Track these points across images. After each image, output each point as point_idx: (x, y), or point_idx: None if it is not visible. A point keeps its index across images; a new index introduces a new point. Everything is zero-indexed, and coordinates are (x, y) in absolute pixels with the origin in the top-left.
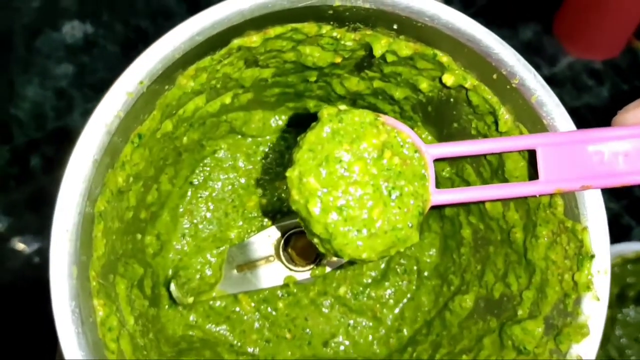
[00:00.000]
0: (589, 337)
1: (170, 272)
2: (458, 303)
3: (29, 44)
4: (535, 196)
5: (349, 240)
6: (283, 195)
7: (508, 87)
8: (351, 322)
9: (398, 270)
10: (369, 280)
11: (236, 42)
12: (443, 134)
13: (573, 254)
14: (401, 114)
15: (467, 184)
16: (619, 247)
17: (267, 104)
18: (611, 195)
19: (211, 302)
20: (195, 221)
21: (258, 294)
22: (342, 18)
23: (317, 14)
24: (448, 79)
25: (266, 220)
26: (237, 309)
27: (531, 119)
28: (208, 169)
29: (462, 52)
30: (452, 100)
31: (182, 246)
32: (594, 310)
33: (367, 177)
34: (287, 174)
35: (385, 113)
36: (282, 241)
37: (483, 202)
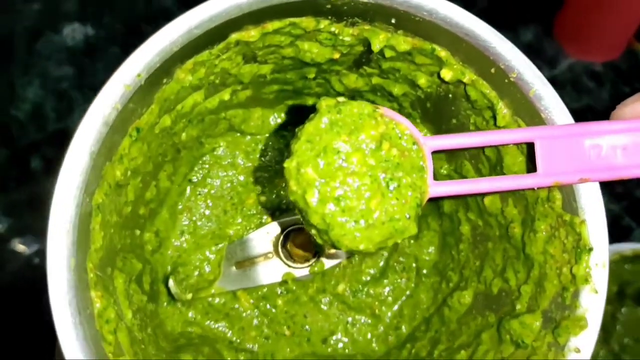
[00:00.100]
0: (587, 330)
1: (169, 268)
2: (457, 299)
3: (29, 46)
4: (533, 189)
5: (346, 231)
6: (282, 192)
7: (506, 81)
8: (350, 319)
9: (397, 267)
10: (368, 278)
11: (234, 36)
12: (442, 130)
13: (571, 247)
14: (400, 111)
15: None
16: (617, 245)
17: (266, 101)
18: (611, 196)
19: (210, 299)
20: (194, 218)
21: (257, 291)
22: (340, 12)
23: (315, 8)
24: (446, 74)
25: (265, 217)
26: (236, 305)
27: (529, 113)
28: (207, 166)
29: (460, 46)
30: (450, 95)
31: (181, 243)
32: (592, 302)
33: (365, 168)
34: (285, 164)
35: None
36: (281, 238)
37: (481, 196)
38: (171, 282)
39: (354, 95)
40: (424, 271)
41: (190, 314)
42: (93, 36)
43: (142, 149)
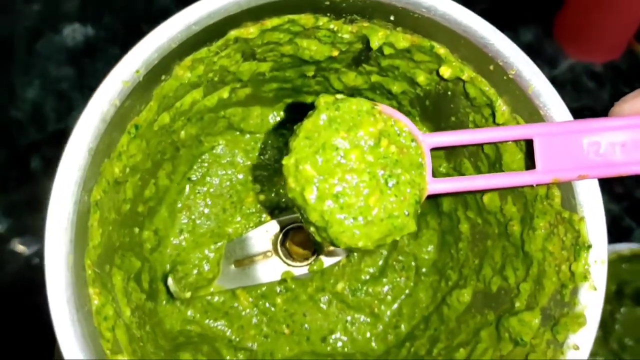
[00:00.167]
0: (585, 327)
1: (167, 267)
2: (456, 298)
3: (30, 46)
4: (532, 185)
5: (345, 228)
6: (281, 191)
7: (505, 78)
8: (349, 318)
9: (396, 266)
10: (367, 277)
11: (233, 33)
12: (441, 129)
13: (570, 244)
14: (399, 109)
15: None
16: (615, 245)
17: (265, 99)
18: (612, 197)
19: (209, 298)
20: (193, 217)
21: (256, 289)
22: (338, 9)
23: (313, 5)
24: (445, 71)
25: (264, 216)
26: (236, 304)
27: (528, 110)
28: (206, 164)
29: (459, 43)
30: (449, 93)
31: (180, 242)
32: (591, 300)
33: (363, 165)
34: (284, 161)
35: None
36: (280, 236)
37: (480, 194)
38: (170, 281)
39: (353, 93)
40: (423, 270)
41: (189, 313)
42: (93, 36)
43: (140, 146)
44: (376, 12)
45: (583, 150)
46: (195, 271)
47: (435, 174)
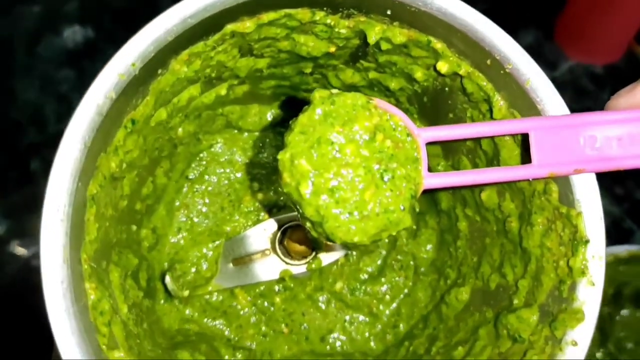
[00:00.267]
0: (584, 323)
1: (165, 265)
2: (454, 296)
3: (30, 48)
4: (528, 180)
5: (340, 223)
6: (279, 189)
7: (502, 72)
8: (347, 317)
9: (395, 266)
10: (366, 276)
11: (230, 27)
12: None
13: (568, 239)
14: (397, 106)
15: None
16: (614, 247)
17: (264, 97)
18: (612, 199)
19: (207, 297)
20: (191, 215)
21: (255, 288)
22: (335, 4)
23: None
24: (442, 67)
25: (262, 214)
26: (234, 303)
27: (526, 105)
28: (204, 163)
29: (456, 37)
30: (447, 89)
31: (178, 240)
32: (589, 295)
33: (359, 160)
34: (279, 156)
35: None
36: (279, 234)
37: (478, 191)
38: (168, 279)
39: (350, 90)
40: (422, 269)
41: (187, 312)
42: (93, 38)
43: (137, 141)
44: (373, 7)
45: (579, 144)
46: (193, 270)
47: (433, 172)
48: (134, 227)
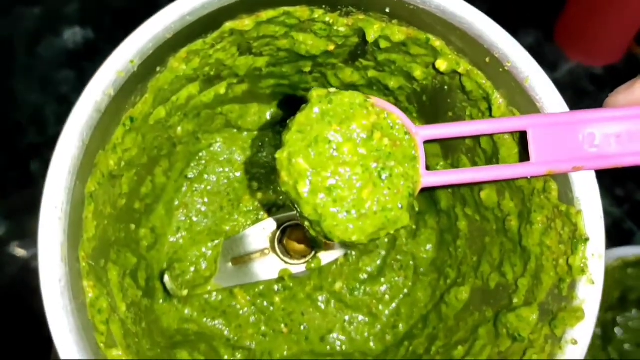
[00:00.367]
0: (584, 321)
1: (164, 265)
2: (454, 295)
3: (30, 49)
4: (527, 178)
5: (338, 222)
6: (279, 188)
7: (501, 70)
8: (347, 317)
9: (394, 266)
10: (365, 276)
11: (228, 25)
12: None
13: (567, 238)
14: (396, 105)
15: None
16: (619, 250)
17: (263, 96)
18: (612, 200)
19: (207, 296)
20: (190, 215)
21: (254, 288)
22: (334, 1)
23: None
24: (441, 65)
25: (262, 213)
26: (233, 303)
27: (525, 103)
28: (203, 162)
29: (455, 35)
30: (446, 87)
31: (177, 240)
32: (589, 294)
33: (356, 158)
34: (277, 155)
35: None
36: (278, 234)
37: (477, 190)
38: (167, 278)
39: (349, 89)
40: (422, 269)
41: (186, 311)
42: (93, 39)
43: (136, 139)
44: (371, 4)
45: (578, 141)
46: (192, 269)
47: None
48: (133, 226)
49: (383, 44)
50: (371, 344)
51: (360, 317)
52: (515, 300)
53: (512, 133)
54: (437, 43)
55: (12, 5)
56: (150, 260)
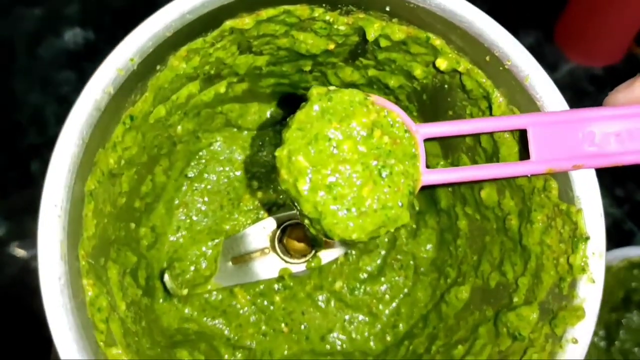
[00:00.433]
0: (584, 320)
1: (164, 264)
2: (454, 295)
3: (31, 50)
4: (527, 176)
5: (338, 220)
6: (279, 187)
7: (501, 68)
8: (347, 317)
9: (394, 265)
10: (365, 276)
11: (228, 23)
12: None
13: (568, 236)
14: (396, 104)
15: None
16: (625, 250)
17: (263, 95)
18: (613, 200)
19: (207, 296)
20: (190, 214)
21: (254, 287)
22: (334, 0)
23: None
24: (442, 63)
25: (262, 212)
26: (234, 302)
27: (525, 101)
28: (204, 161)
29: (455, 34)
30: (446, 86)
31: (177, 239)
32: (589, 292)
33: (356, 156)
34: (276, 153)
35: None
36: (278, 233)
37: (478, 189)
38: (167, 277)
39: (349, 88)
40: (422, 269)
41: (186, 311)
42: (94, 40)
43: (136, 138)
44: (371, 3)
45: (577, 140)
46: (192, 268)
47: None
48: (133, 225)
49: (383, 43)
50: (371, 343)
51: (361, 317)
52: (515, 299)
53: (512, 131)
54: (437, 42)
55: (13, 5)
56: (150, 259)
